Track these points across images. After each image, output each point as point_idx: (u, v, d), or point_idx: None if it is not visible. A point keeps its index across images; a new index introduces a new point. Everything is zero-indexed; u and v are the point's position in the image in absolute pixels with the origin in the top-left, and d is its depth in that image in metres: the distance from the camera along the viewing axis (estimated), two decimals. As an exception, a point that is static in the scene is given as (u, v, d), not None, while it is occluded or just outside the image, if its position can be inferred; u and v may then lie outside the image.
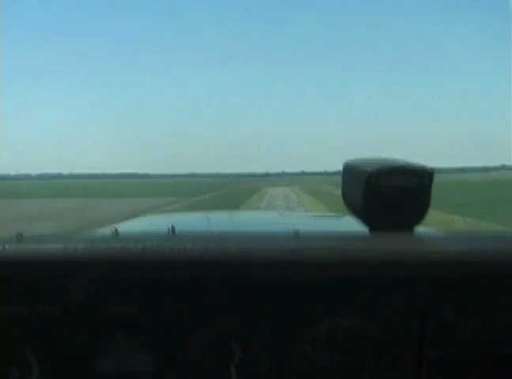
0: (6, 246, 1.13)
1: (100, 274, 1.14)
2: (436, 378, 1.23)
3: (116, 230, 1.36)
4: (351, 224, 1.52)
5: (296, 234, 1.27)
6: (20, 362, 1.19)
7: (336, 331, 1.22)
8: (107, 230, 1.51)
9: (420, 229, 1.42)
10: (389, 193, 1.35)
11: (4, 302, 1.18)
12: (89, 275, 1.15)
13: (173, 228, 1.37)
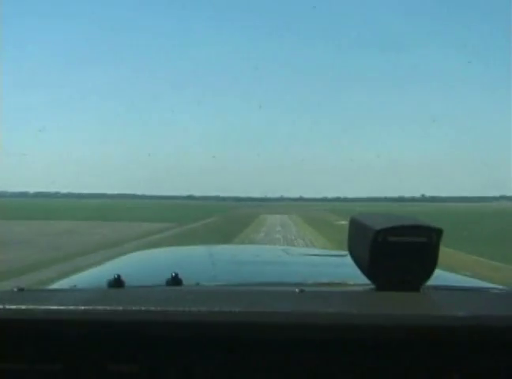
0: (6, 303, 1.15)
1: (102, 332, 1.15)
2: None
3: (117, 279, 1.44)
4: (355, 271, 1.50)
5: (302, 292, 1.30)
6: None
7: None
8: (105, 275, 1.55)
9: (428, 287, 1.44)
10: (396, 250, 1.37)
11: (4, 359, 1.18)
12: (91, 333, 1.15)
13: (175, 276, 1.46)
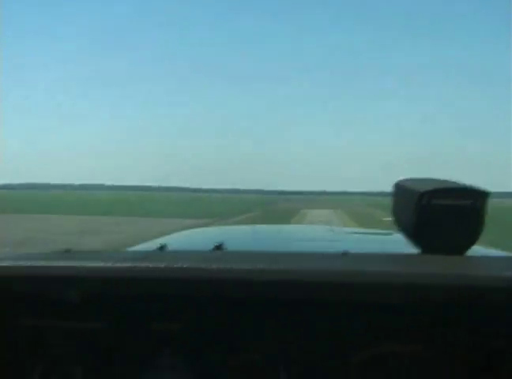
0: (55, 262, 1.16)
1: (145, 291, 1.14)
2: None
3: (162, 246, 1.45)
4: (401, 244, 1.47)
5: (345, 255, 1.27)
6: (66, 374, 1.22)
7: (385, 355, 1.19)
8: (153, 246, 1.55)
9: (473, 251, 1.39)
10: (441, 214, 1.33)
11: (54, 317, 1.21)
12: (134, 292, 1.15)
13: (219, 245, 1.45)
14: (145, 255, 1.33)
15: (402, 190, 1.43)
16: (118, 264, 1.14)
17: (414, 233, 1.38)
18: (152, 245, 1.77)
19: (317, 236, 2.61)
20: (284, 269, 1.11)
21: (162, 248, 1.48)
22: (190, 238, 2.66)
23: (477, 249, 1.49)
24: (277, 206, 56.60)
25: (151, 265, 1.12)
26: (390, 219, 1.53)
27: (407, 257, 1.37)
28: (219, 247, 1.50)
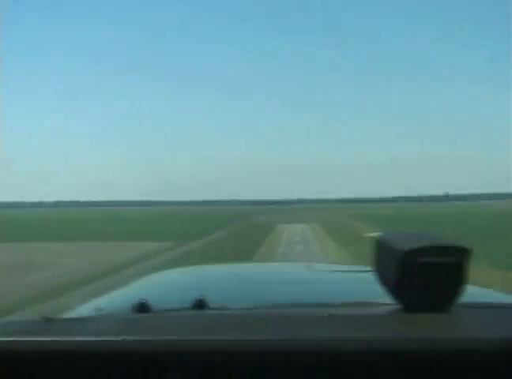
0: (33, 334, 1.14)
1: (130, 362, 1.13)
2: None
3: (141, 304, 1.46)
4: (381, 290, 1.49)
5: (331, 317, 1.28)
6: None
7: None
8: (126, 299, 1.59)
9: (459, 305, 1.42)
10: (424, 271, 1.36)
11: None
12: (119, 363, 1.13)
13: (201, 300, 1.49)
14: (127, 322, 1.32)
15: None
16: (100, 338, 1.13)
17: (397, 290, 1.40)
18: (129, 295, 1.74)
19: (296, 278, 2.56)
20: (270, 340, 1.12)
21: (141, 306, 1.50)
22: (168, 286, 2.45)
23: (469, 291, 1.49)
24: (252, 220, 52.32)
25: (136, 339, 1.11)
26: (373, 234, 1.57)
27: (392, 319, 1.41)
28: (200, 301, 1.52)
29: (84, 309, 1.88)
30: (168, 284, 2.54)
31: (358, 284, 2.26)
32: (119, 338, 1.11)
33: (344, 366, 1.13)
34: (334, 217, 58.53)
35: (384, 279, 1.47)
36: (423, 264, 1.35)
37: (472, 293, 1.65)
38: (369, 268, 1.68)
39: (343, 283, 2.34)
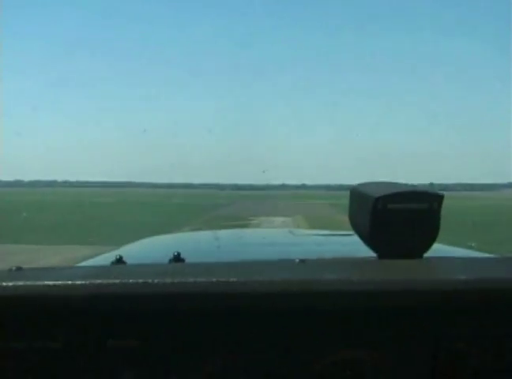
0: (5, 281, 1.14)
1: (101, 308, 1.14)
2: None
3: (118, 259, 1.47)
4: (359, 246, 1.50)
5: (302, 263, 1.29)
6: None
7: (345, 362, 1.20)
8: (108, 259, 1.59)
9: (429, 254, 1.42)
10: (396, 218, 1.36)
11: (2, 338, 1.18)
12: (90, 309, 1.14)
13: (177, 256, 1.49)
14: (100, 270, 1.33)
15: (357, 195, 1.46)
16: (72, 282, 1.13)
17: (370, 238, 1.40)
18: (108, 257, 1.76)
19: (277, 241, 2.59)
20: (238, 281, 1.13)
21: (118, 261, 1.51)
22: (148, 249, 2.54)
23: (438, 249, 1.52)
24: (223, 212, 41.09)
25: (105, 282, 1.12)
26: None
27: (363, 263, 1.40)
28: (177, 258, 1.52)
29: None
30: (149, 249, 2.52)
31: (339, 245, 2.27)
32: (87, 281, 1.10)
33: (314, 308, 1.12)
34: (321, 208, 51.77)
35: (358, 229, 1.46)
36: (394, 211, 1.32)
37: (442, 249, 1.70)
38: (351, 233, 1.60)
39: (324, 244, 2.36)
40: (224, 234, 3.23)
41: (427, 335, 1.18)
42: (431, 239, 1.39)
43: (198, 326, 1.16)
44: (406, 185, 1.42)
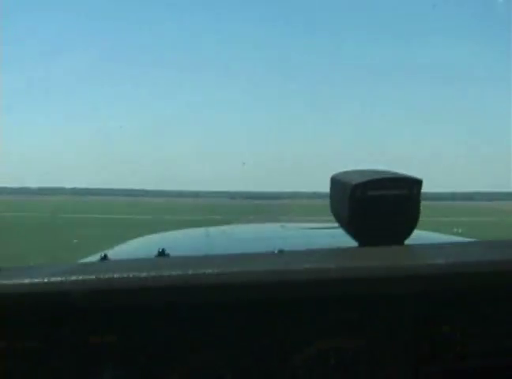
0: None
1: (81, 305, 1.14)
2: None
3: (103, 256, 1.50)
4: (341, 238, 1.51)
5: (281, 253, 1.31)
6: None
7: (328, 351, 1.19)
8: (93, 258, 1.60)
9: (411, 240, 1.42)
10: (375, 204, 1.36)
11: None
12: (70, 306, 1.14)
13: (162, 251, 1.51)
14: (84, 267, 1.32)
15: (337, 184, 1.46)
16: (48, 279, 1.12)
17: (351, 226, 1.41)
18: (95, 256, 1.75)
19: (265, 235, 2.58)
20: (216, 272, 1.13)
21: (103, 258, 1.54)
22: (135, 247, 2.55)
23: (419, 235, 1.54)
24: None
25: (88, 277, 1.13)
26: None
27: (342, 252, 1.39)
28: (161, 253, 1.53)
29: None
30: (136, 247, 2.52)
31: (323, 238, 2.27)
32: (71, 278, 1.10)
33: (293, 298, 1.13)
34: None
35: (338, 217, 1.46)
36: (372, 198, 1.31)
37: (425, 236, 1.64)
38: (336, 226, 1.58)
39: (310, 237, 2.43)
40: (214, 230, 3.15)
41: (409, 320, 1.17)
42: (411, 225, 1.39)
43: (176, 320, 1.16)
44: (386, 171, 1.39)
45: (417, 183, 1.35)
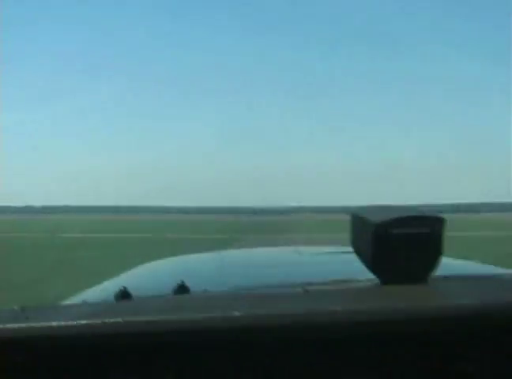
0: (9, 323, 1.10)
1: (103, 347, 1.12)
2: None
3: (123, 292, 1.46)
4: (360, 265, 1.49)
5: (306, 292, 1.30)
6: None
7: None
8: (111, 289, 1.58)
9: (434, 278, 1.42)
10: (399, 243, 1.36)
11: None
12: (97, 347, 1.12)
13: (182, 285, 1.49)
14: (106, 307, 1.32)
15: (358, 221, 1.45)
16: (77, 322, 1.10)
17: (373, 264, 1.40)
18: (112, 287, 1.73)
19: (280, 261, 2.56)
20: (242, 315, 1.11)
21: (123, 293, 1.50)
22: (151, 276, 2.46)
23: (447, 264, 1.52)
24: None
25: (114, 320, 1.10)
26: None
27: (367, 292, 1.41)
28: (181, 287, 1.52)
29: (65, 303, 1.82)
30: (151, 274, 2.46)
31: (340, 264, 2.18)
32: (99, 321, 1.08)
33: (319, 339, 1.12)
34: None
35: (360, 254, 1.45)
36: (396, 236, 1.31)
37: (448, 264, 1.63)
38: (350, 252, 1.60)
39: (325, 263, 2.30)
40: (226, 255, 3.09)
41: (435, 361, 1.16)
42: (434, 263, 1.39)
43: (203, 361, 1.15)
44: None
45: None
